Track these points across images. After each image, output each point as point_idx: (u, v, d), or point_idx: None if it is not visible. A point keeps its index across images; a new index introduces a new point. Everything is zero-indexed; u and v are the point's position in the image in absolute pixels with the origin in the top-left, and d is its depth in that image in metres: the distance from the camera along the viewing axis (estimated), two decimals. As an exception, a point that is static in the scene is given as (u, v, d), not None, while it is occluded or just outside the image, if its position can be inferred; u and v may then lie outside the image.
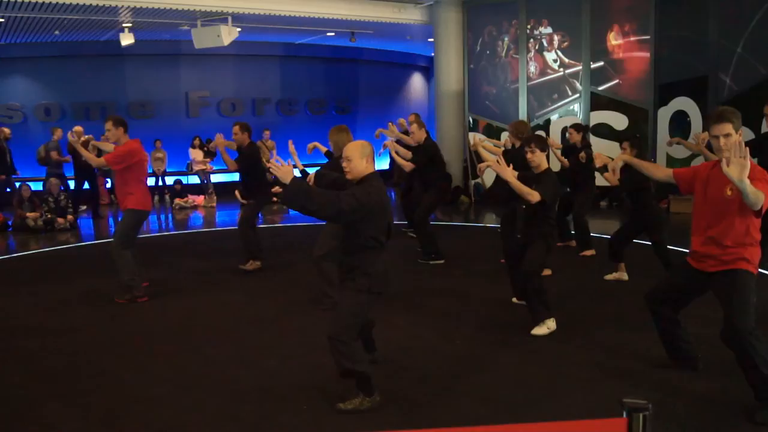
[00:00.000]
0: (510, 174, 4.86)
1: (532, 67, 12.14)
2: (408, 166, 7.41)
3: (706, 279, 3.87)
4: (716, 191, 3.73)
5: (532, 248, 5.07)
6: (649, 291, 4.21)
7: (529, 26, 12.08)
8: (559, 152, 7.96)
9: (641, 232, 6.36)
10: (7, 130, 12.28)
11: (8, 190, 12.15)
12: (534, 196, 4.85)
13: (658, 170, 4.33)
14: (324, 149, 6.51)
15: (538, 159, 5.07)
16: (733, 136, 3.61)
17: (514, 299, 5.72)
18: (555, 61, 11.86)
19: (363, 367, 3.73)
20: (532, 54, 12.09)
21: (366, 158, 3.71)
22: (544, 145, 5.14)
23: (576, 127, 7.92)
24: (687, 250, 4.05)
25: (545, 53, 11.95)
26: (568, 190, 7.72)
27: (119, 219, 6.33)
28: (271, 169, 3.41)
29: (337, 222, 3.65)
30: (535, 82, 12.15)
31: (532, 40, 12.07)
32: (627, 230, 6.45)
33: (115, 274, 6.23)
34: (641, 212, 6.23)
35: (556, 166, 7.47)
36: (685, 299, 4.10)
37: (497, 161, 4.91)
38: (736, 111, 3.72)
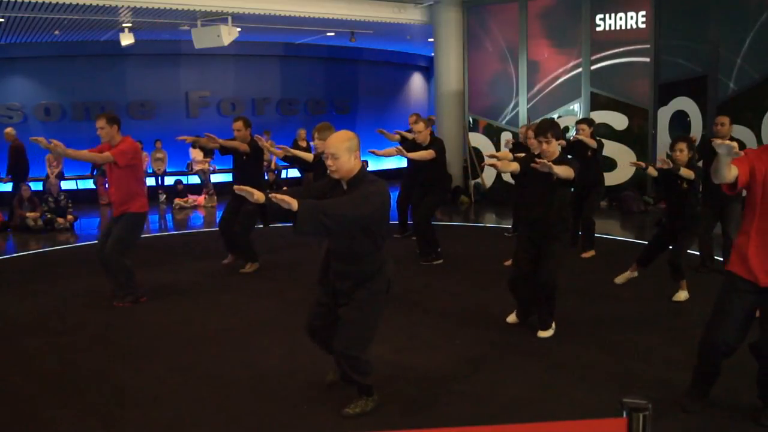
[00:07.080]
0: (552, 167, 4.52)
1: (534, 68, 12.15)
2: (427, 155, 7.28)
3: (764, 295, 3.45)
4: None
5: (552, 255, 4.82)
6: (713, 340, 3.53)
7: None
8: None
9: (676, 236, 5.76)
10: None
11: None
12: (569, 171, 4.62)
13: (730, 170, 3.27)
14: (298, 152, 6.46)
15: (553, 148, 4.80)
16: None
17: (512, 319, 5.30)
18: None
19: (370, 381, 3.69)
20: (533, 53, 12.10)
21: (353, 154, 3.36)
22: (559, 131, 4.82)
23: (587, 122, 7.57)
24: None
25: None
26: (572, 189, 7.66)
27: (117, 223, 5.97)
28: (274, 200, 3.02)
29: (358, 226, 3.30)
30: (536, 82, 12.14)
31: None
32: (665, 236, 5.84)
33: (111, 277, 6.09)
34: (681, 215, 5.64)
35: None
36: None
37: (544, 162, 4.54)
38: None
